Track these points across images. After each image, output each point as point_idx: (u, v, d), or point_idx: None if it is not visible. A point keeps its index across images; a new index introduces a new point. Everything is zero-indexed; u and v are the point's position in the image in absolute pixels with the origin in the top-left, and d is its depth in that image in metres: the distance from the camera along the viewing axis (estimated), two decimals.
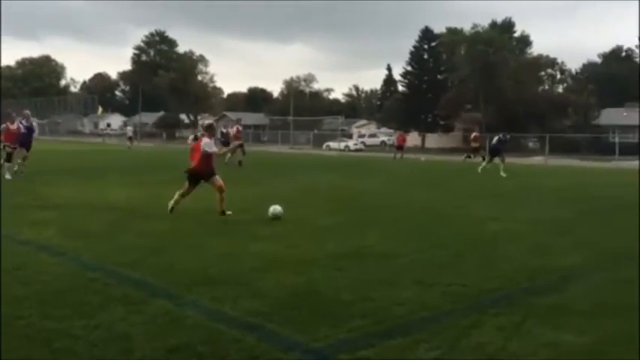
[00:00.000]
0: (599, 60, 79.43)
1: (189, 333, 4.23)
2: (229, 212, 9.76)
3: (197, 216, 9.79)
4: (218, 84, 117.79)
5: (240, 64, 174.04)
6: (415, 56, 62.75)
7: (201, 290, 5.28)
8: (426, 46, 62.82)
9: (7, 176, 15.22)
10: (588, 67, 78.40)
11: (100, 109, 73.85)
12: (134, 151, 38.73)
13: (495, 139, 22.73)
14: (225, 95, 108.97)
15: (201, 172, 9.83)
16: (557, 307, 5.05)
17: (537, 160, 36.53)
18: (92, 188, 13.86)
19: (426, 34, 62.67)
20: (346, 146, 53.21)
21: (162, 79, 77.56)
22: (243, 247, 7.24)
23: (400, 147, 35.94)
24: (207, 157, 9.79)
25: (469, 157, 28.23)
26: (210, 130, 10.23)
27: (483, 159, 25.97)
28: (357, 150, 52.92)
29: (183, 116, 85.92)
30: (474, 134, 29.46)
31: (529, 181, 19.82)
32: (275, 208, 9.48)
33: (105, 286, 5.36)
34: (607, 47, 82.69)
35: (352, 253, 7.05)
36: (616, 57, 78.20)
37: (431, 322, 4.60)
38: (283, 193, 13.78)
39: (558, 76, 76.33)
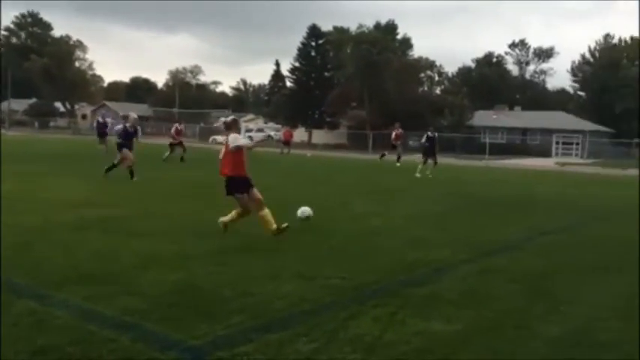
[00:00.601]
0: (472, 64, 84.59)
1: (58, 334, 3.99)
2: (285, 224, 7.78)
3: (70, 210, 9.24)
4: (98, 72, 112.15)
5: (122, 52, 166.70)
6: (303, 53, 63.40)
7: (72, 289, 5.00)
8: (313, 44, 63.65)
9: None
10: (463, 71, 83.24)
11: None
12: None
13: (424, 137, 21.96)
14: (105, 84, 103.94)
15: (231, 180, 7.79)
16: (429, 297, 5.32)
17: (418, 157, 38.23)
18: None
19: (314, 32, 63.50)
20: None
21: (35, 64, 72.41)
22: (120, 244, 6.94)
23: (287, 142, 36.24)
24: (235, 156, 7.80)
25: (384, 155, 27.10)
26: (235, 126, 8.33)
27: (399, 158, 25.82)
28: None
29: (58, 104, 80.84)
30: (395, 132, 27.67)
31: (410, 178, 20.69)
32: (305, 211, 8.78)
33: None
34: (480, 53, 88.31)
35: (235, 248, 6.99)
36: (488, 62, 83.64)
37: (310, 316, 4.67)
38: (165, 189, 13.40)
39: (436, 78, 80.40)
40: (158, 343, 3.97)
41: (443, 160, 36.29)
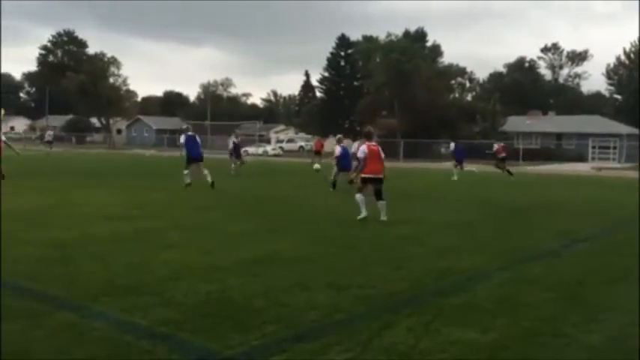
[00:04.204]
0: (504, 70, 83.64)
1: (96, 346, 4.05)
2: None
3: (105, 223, 9.42)
4: (132, 87, 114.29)
5: (155, 68, 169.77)
6: (332, 63, 63.73)
7: (108, 301, 5.08)
8: (342, 53, 63.92)
9: None
10: (494, 77, 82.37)
11: (2, 112, 69.70)
12: (53, 156, 36.49)
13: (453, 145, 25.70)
14: (139, 99, 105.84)
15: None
16: (463, 306, 5.25)
17: (448, 165, 37.92)
18: None
19: (343, 42, 63.81)
20: (264, 151, 53.13)
21: (71, 81, 74.22)
22: (153, 255, 7.03)
23: (318, 152, 36.24)
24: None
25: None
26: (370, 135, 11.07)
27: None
28: (275, 155, 52.95)
29: (94, 120, 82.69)
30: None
31: (439, 184, 20.53)
32: None
33: (2, 299, 5.04)
34: (512, 58, 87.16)
35: (266, 258, 7.02)
36: (520, 67, 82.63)
37: (343, 325, 4.65)
38: (194, 198, 13.55)
39: (467, 84, 79.69)
40: (194, 354, 4.02)
41: (474, 166, 36.00)
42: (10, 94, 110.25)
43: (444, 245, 8.26)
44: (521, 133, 55.70)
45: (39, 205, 11.50)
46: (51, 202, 12.10)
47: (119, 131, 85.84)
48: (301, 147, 62.74)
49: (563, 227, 10.43)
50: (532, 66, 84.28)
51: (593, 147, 55.02)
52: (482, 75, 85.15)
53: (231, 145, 24.39)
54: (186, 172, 15.87)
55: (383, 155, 10.65)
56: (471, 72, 79.05)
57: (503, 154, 27.59)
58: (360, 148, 10.75)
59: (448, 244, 8.39)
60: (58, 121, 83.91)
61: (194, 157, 15.94)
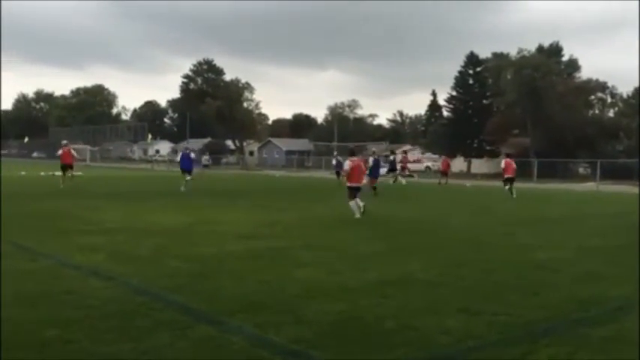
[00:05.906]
0: None
1: (234, 359, 4.24)
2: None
3: (239, 241, 9.89)
4: (263, 110, 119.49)
5: (285, 91, 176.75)
6: (460, 81, 62.41)
7: (244, 316, 5.30)
8: (471, 71, 62.43)
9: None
10: None
11: (150, 137, 75.85)
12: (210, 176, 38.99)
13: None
14: (270, 121, 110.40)
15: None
16: (611, 338, 4.87)
17: (588, 185, 35.52)
18: (140, 213, 14.17)
19: (471, 59, 62.32)
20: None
21: (210, 107, 79.21)
22: (285, 274, 7.26)
23: (444, 172, 35.59)
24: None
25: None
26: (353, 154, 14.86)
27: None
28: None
29: (229, 142, 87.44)
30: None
31: (578, 207, 19.26)
32: None
33: (152, 311, 5.44)
34: None
35: (395, 280, 6.98)
36: None
37: (478, 351, 4.50)
38: (324, 219, 13.80)
39: (609, 100, 74.17)
40: None
41: (618, 187, 33.32)
42: (157, 120, 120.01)
43: (585, 272, 7.73)
44: None
45: (182, 223, 12.32)
46: (191, 220, 12.90)
47: (251, 153, 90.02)
48: (428, 167, 61.93)
49: None
50: None
51: None
52: (625, 90, 78.65)
53: (334, 162, 31.95)
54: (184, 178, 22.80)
55: (364, 168, 14.61)
56: (613, 87, 73.43)
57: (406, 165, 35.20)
58: (345, 163, 14.43)
59: (589, 270, 7.84)
60: (197, 144, 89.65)
61: (184, 169, 22.77)
